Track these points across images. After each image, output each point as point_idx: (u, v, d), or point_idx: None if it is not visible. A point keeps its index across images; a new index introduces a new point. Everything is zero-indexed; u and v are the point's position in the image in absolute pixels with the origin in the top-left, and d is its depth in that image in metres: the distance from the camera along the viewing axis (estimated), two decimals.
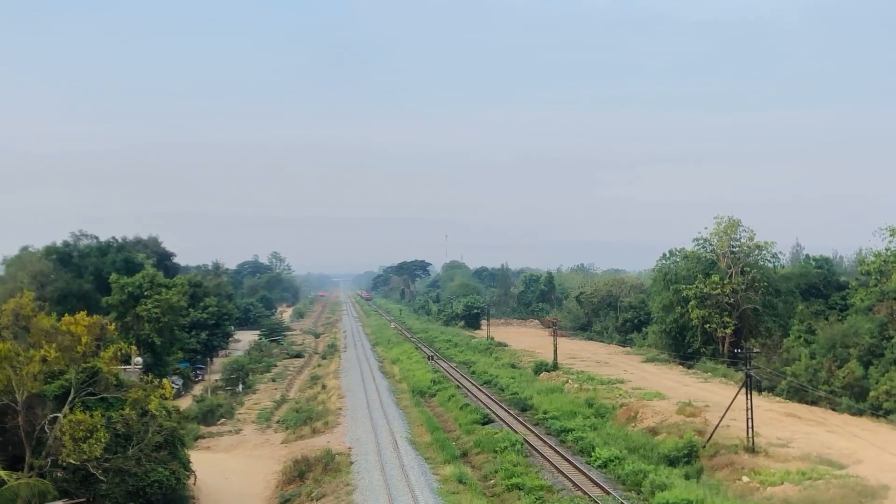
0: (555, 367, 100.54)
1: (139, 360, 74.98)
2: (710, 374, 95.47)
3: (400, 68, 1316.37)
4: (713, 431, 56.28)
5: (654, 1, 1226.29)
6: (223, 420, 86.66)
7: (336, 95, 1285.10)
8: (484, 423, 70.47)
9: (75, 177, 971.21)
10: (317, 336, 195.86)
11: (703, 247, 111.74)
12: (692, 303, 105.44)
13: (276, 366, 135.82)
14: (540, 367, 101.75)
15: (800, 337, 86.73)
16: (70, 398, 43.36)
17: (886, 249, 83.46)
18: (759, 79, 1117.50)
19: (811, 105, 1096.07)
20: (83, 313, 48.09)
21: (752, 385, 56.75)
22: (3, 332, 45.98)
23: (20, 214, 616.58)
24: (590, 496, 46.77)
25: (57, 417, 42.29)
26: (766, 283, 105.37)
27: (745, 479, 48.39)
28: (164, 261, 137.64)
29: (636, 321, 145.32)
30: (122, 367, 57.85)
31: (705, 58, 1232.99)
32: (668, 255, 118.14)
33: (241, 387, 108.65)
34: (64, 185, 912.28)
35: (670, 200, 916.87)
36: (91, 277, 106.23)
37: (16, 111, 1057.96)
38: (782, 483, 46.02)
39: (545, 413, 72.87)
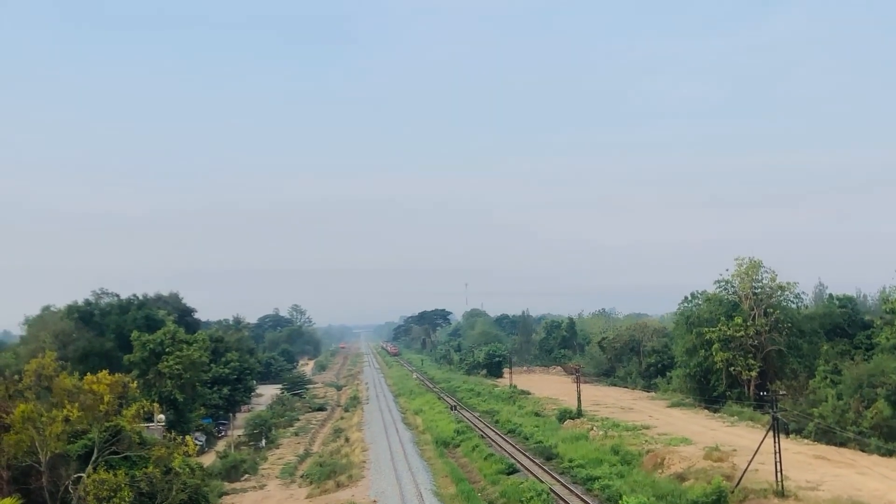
0: (579, 414, 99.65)
1: (162, 417, 75.19)
2: (736, 417, 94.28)
3: (412, 120, 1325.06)
4: (741, 476, 55.44)
5: (661, 44, 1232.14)
6: (247, 476, 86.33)
7: (351, 151, 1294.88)
8: (509, 473, 69.68)
9: (96, 237, 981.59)
10: (339, 388, 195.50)
11: (725, 289, 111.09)
12: (716, 345, 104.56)
13: (298, 419, 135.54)
14: (564, 415, 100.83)
15: (826, 378, 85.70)
16: (93, 457, 43.42)
17: None
18: (776, 118, 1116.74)
19: (827, 144, 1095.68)
20: (105, 372, 48.44)
21: (779, 428, 56.02)
22: (26, 393, 46.28)
23: (42, 274, 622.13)
24: None
25: (81, 477, 42.29)
26: (789, 324, 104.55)
27: None
28: (184, 317, 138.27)
29: (660, 365, 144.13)
30: (145, 424, 58.01)
31: (718, 99, 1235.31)
32: (689, 298, 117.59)
33: (264, 441, 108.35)
34: (84, 245, 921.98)
35: (690, 242, 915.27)
36: (112, 335, 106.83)
37: (36, 171, 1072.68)
38: None
39: (570, 461, 71.97)
